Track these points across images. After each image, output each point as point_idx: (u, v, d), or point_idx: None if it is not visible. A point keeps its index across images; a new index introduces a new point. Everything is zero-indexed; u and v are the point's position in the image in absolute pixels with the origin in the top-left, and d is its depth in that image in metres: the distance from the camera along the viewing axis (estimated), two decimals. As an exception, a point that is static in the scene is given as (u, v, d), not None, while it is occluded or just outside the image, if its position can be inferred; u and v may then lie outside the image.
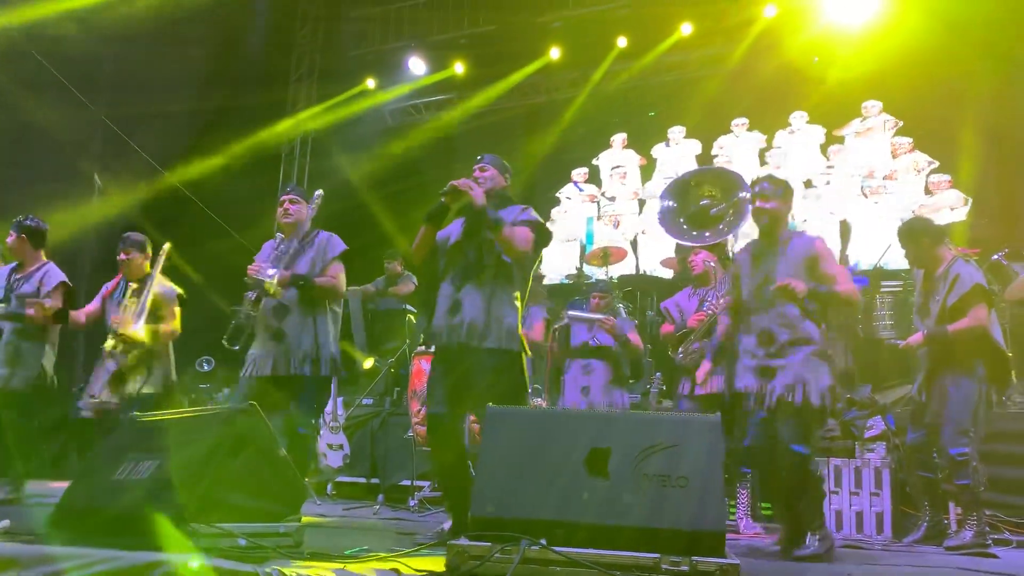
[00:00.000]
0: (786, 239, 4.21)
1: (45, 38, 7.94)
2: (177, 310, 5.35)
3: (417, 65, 11.35)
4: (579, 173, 10.24)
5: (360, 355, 8.40)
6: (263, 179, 10.72)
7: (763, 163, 9.25)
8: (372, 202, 10.12)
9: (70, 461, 7.03)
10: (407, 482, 6.47)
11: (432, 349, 4.51)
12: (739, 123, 9.47)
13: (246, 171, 9.98)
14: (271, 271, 4.31)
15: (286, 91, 11.84)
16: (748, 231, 6.79)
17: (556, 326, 6.12)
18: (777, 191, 4.21)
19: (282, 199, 4.61)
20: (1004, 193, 8.30)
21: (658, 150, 9.96)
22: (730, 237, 7.41)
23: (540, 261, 4.39)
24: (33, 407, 5.34)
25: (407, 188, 9.45)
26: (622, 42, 10.19)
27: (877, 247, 7.32)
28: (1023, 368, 5.83)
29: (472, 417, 5.11)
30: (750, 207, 4.35)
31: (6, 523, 3.37)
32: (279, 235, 4.61)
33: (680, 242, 7.82)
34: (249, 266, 4.37)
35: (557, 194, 10.30)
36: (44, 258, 5.55)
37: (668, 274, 9.11)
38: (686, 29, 9.85)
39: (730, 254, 6.78)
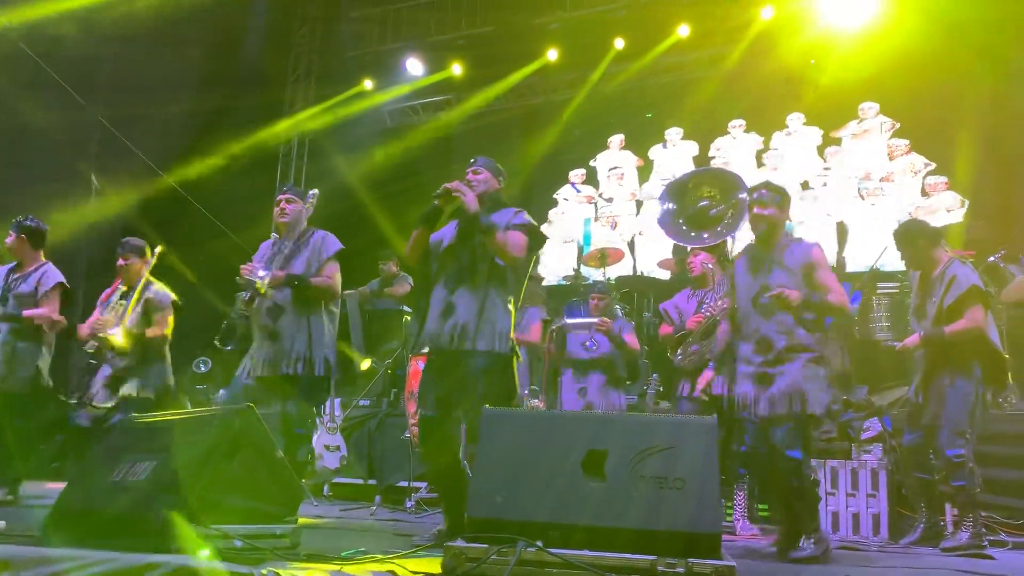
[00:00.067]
0: (783, 246, 4.22)
1: (42, 38, 7.92)
2: (170, 317, 5.36)
3: (415, 66, 11.35)
4: (576, 174, 10.25)
5: (357, 356, 8.39)
6: (261, 180, 10.72)
7: (760, 165, 9.27)
8: (370, 203, 10.11)
9: (67, 462, 7.02)
10: (404, 483, 6.47)
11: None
12: (736, 125, 9.49)
13: (244, 172, 9.98)
14: (262, 272, 4.30)
15: (284, 92, 11.84)
16: (747, 232, 6.79)
17: (553, 327, 6.12)
18: (775, 198, 4.23)
19: (278, 198, 4.61)
20: (1001, 195, 8.32)
21: (655, 151, 9.97)
22: (729, 238, 7.41)
23: (537, 262, 4.40)
24: (28, 408, 5.33)
25: (405, 189, 9.44)
26: (620, 44, 10.20)
27: (874, 249, 7.32)
28: (1019, 370, 5.84)
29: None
30: (748, 213, 4.36)
31: (2, 524, 3.38)
32: (274, 235, 4.60)
33: (680, 244, 7.81)
34: (242, 266, 4.37)
35: (555, 195, 10.30)
36: (43, 259, 5.55)
37: (665, 275, 9.12)
38: (683, 31, 9.86)
39: (729, 255, 6.78)
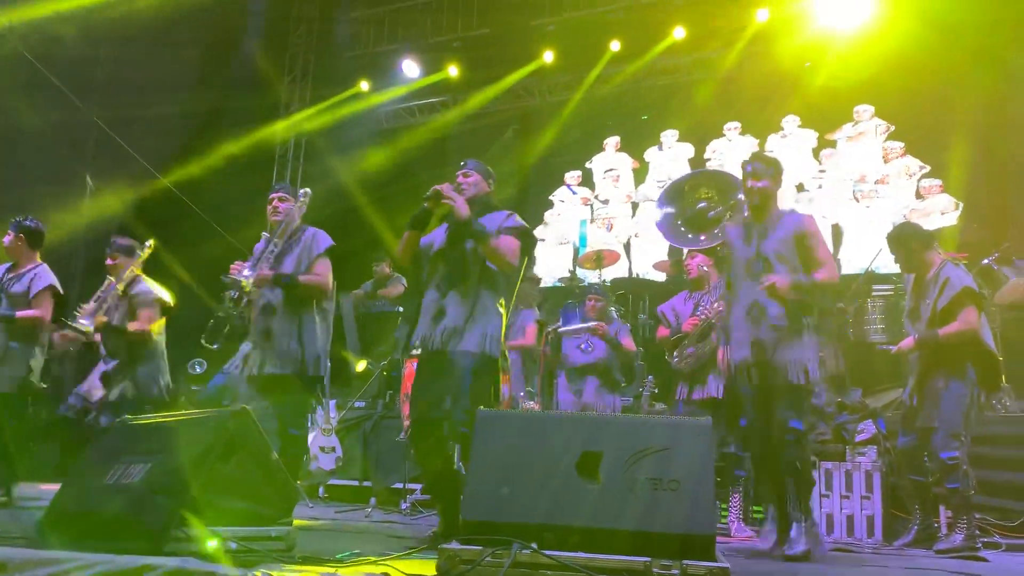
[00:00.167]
0: (777, 216, 4.27)
1: (38, 39, 7.91)
2: (155, 314, 5.33)
3: (411, 67, 11.34)
4: (572, 176, 10.27)
5: (352, 358, 8.39)
6: (256, 181, 10.70)
7: (756, 167, 9.26)
8: (365, 204, 10.12)
9: (61, 463, 7.01)
10: (399, 485, 6.47)
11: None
12: (732, 127, 9.50)
13: (239, 173, 9.97)
14: (246, 272, 4.28)
15: (280, 93, 11.82)
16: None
17: (549, 329, 6.13)
18: (768, 170, 4.31)
19: (271, 197, 4.60)
20: (995, 197, 8.34)
21: (651, 153, 9.99)
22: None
23: (532, 263, 4.41)
24: (20, 408, 5.31)
25: (401, 191, 9.44)
26: (615, 46, 10.20)
27: (869, 251, 7.35)
28: (1013, 372, 5.85)
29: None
30: (742, 188, 4.41)
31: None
32: (265, 234, 4.58)
33: (679, 246, 7.82)
34: (232, 265, 4.36)
35: (550, 197, 10.32)
36: (39, 259, 5.54)
37: (661, 277, 9.14)
38: (679, 33, 9.86)
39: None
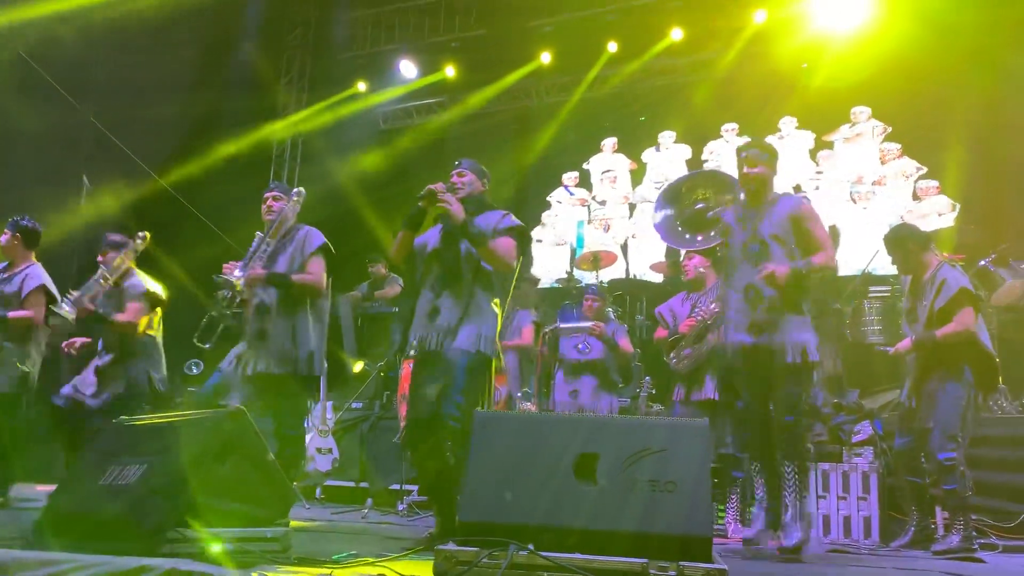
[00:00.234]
0: (773, 200, 4.30)
1: (36, 40, 7.90)
2: (143, 308, 5.27)
3: (408, 68, 11.34)
4: (570, 177, 10.26)
5: (350, 359, 8.39)
6: (253, 182, 10.65)
7: (753, 168, 9.27)
8: (363, 205, 10.11)
9: (57, 464, 6.99)
10: (396, 486, 6.46)
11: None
12: (729, 128, 9.51)
13: (237, 174, 9.96)
14: (237, 272, 4.26)
15: (277, 94, 11.81)
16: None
17: (546, 330, 6.13)
18: (763, 156, 4.36)
19: (265, 196, 4.57)
20: (991, 199, 8.34)
21: (648, 155, 10.00)
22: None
23: (531, 263, 4.41)
24: (15, 409, 5.30)
25: (398, 192, 9.44)
26: (613, 47, 10.20)
27: (866, 253, 7.35)
28: (1010, 373, 5.86)
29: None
30: (738, 175, 4.44)
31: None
32: (258, 233, 4.56)
33: (677, 247, 7.83)
34: (224, 265, 4.34)
35: (548, 198, 10.31)
36: (33, 259, 5.53)
37: (658, 278, 9.14)
38: (676, 34, 9.87)
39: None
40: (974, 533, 4.57)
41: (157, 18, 8.20)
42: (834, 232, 8.57)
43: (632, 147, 10.14)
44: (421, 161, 10.79)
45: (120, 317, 5.22)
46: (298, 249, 4.44)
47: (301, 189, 4.62)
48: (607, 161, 10.19)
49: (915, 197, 8.33)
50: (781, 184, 8.20)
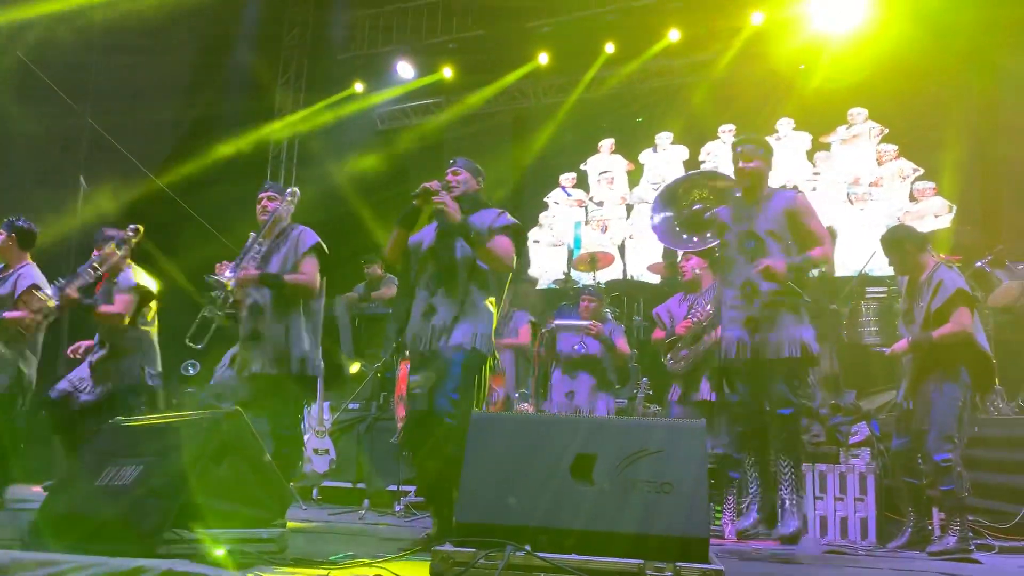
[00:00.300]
0: (768, 194, 4.31)
1: (33, 41, 7.89)
2: (129, 300, 5.25)
3: (405, 69, 11.33)
4: (567, 178, 10.26)
5: (347, 360, 8.38)
6: (251, 183, 10.61)
7: (750, 169, 9.27)
8: (360, 206, 10.10)
9: (53, 465, 6.98)
10: (393, 487, 6.46)
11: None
12: (726, 129, 9.51)
13: (234, 175, 9.94)
14: (228, 273, 4.25)
15: (274, 95, 11.80)
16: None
17: (543, 330, 6.13)
18: (758, 151, 4.37)
19: (260, 196, 4.56)
20: (988, 200, 8.36)
21: (646, 156, 10.00)
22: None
23: (528, 264, 4.42)
24: (11, 410, 5.29)
25: (396, 193, 9.43)
26: (610, 48, 10.20)
27: (863, 254, 7.36)
28: (1006, 374, 5.86)
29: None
30: (734, 170, 4.46)
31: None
32: (252, 233, 4.55)
33: (675, 249, 7.82)
34: (216, 265, 4.34)
35: (545, 199, 10.31)
36: (28, 260, 5.52)
37: (655, 279, 9.14)
38: (674, 35, 9.87)
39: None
40: (970, 534, 4.57)
41: (154, 19, 8.19)
42: (831, 233, 8.56)
43: (629, 148, 10.14)
44: (419, 162, 10.80)
45: (106, 308, 5.21)
46: (292, 249, 4.41)
47: (295, 189, 4.60)
48: (604, 162, 10.19)
49: (912, 198, 8.34)
50: (779, 184, 8.22)
